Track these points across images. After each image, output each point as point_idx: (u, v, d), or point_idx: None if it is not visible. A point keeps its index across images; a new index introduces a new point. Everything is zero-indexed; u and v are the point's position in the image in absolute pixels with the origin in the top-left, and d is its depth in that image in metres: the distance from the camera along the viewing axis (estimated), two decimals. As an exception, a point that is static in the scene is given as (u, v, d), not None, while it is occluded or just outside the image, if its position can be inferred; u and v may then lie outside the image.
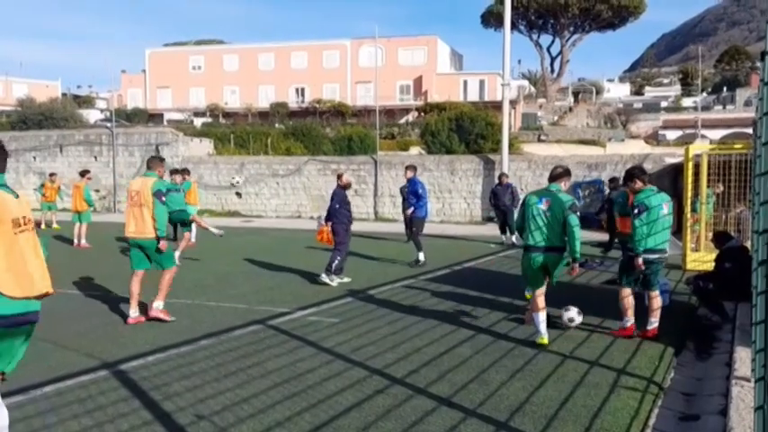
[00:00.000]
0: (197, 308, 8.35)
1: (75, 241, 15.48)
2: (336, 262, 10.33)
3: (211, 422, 4.55)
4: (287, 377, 5.54)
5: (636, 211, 6.69)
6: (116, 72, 73.83)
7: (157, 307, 7.65)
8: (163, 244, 7.48)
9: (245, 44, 66.88)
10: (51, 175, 20.92)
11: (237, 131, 34.15)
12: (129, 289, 7.69)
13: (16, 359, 3.64)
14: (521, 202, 6.89)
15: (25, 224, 3.56)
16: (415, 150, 30.88)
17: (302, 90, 63.30)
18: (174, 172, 12.97)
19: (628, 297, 6.92)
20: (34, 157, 29.83)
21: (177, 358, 6.15)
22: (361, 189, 24.31)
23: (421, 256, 12.39)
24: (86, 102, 68.16)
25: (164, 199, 7.49)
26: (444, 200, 23.44)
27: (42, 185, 20.87)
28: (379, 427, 4.50)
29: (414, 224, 12.92)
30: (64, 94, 65.94)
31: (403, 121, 51.37)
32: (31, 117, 38.27)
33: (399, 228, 19.47)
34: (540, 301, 6.61)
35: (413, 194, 12.97)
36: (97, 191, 26.24)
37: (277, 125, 42.27)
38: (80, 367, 5.77)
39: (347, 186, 10.90)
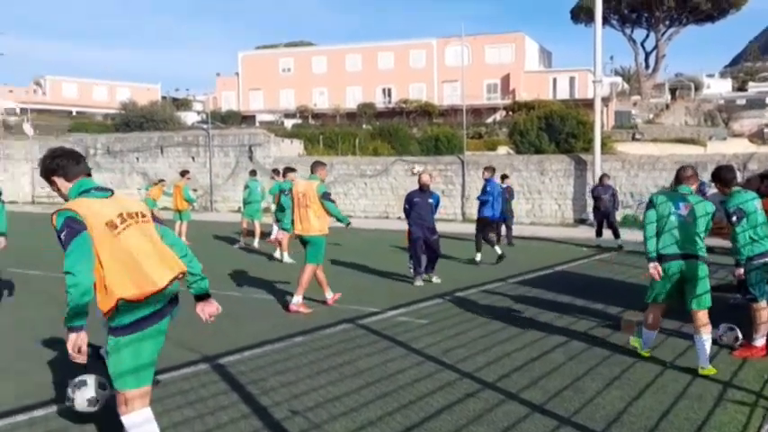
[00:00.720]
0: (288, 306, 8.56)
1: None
2: (409, 264, 10.54)
3: (305, 418, 4.65)
4: (378, 377, 5.60)
5: (734, 218, 6.09)
6: (211, 75, 77.06)
7: (296, 302, 8.21)
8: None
9: (333, 45, 67.90)
10: (161, 180, 21.57)
11: (326, 132, 34.79)
12: (299, 279, 8.34)
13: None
14: (647, 204, 6.08)
15: (124, 220, 3.45)
16: (503, 150, 30.48)
17: (389, 90, 63.70)
18: (287, 171, 13.31)
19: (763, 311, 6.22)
20: (137, 158, 31.41)
21: (273, 354, 6.33)
22: (448, 190, 24.22)
23: (477, 257, 12.71)
24: (184, 104, 71.25)
25: (332, 197, 8.61)
26: (534, 201, 22.98)
27: (152, 184, 21.62)
28: (470, 432, 4.48)
29: (481, 223, 13.03)
30: (163, 98, 69.24)
31: (490, 120, 50.81)
32: (133, 119, 40.40)
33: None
34: (657, 318, 6.00)
35: (483, 194, 13.10)
36: (195, 190, 27.32)
37: (364, 126, 42.75)
38: (182, 360, 6.02)
39: (423, 187, 10.88)
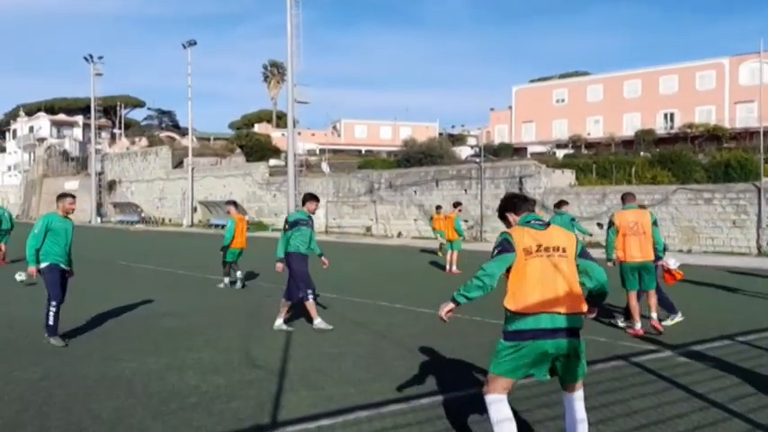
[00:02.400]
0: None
1: (447, 267, 16.90)
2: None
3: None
4: (654, 419, 5.24)
5: None
6: (485, 110, 79.21)
7: (654, 317, 8.82)
8: None
9: (610, 73, 65.52)
10: (438, 208, 23.03)
11: (599, 161, 33.57)
12: (630, 305, 8.86)
13: (567, 371, 4.16)
14: None
15: (538, 251, 4.13)
16: (811, 175, 26.43)
17: (671, 115, 59.47)
18: (559, 204, 13.35)
19: None
20: (415, 191, 33.49)
21: (539, 386, 6.27)
22: (740, 220, 21.76)
23: None
24: (459, 139, 74.36)
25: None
26: None
27: (431, 218, 23.05)
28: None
29: None
30: (440, 134, 73.05)
31: (796, 142, 44.40)
32: (413, 156, 43.23)
33: (791, 265, 16.84)
34: None
35: None
36: (465, 221, 28.26)
37: (642, 153, 40.32)
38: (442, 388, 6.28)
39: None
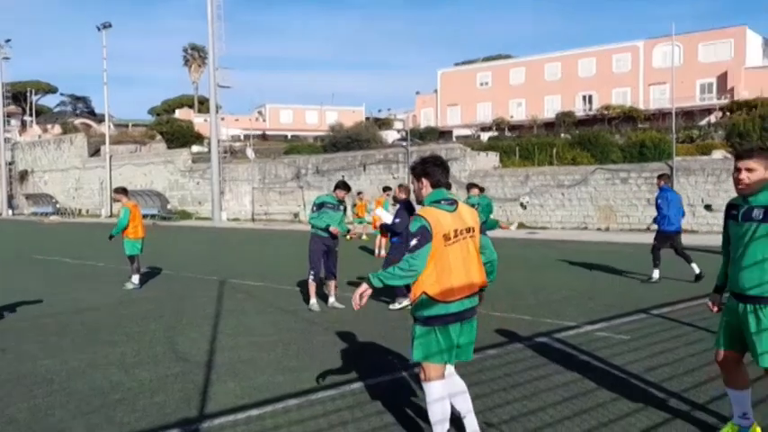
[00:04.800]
0: (485, 318, 8.59)
1: (377, 252, 16.99)
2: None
3: (500, 431, 4.66)
4: (575, 392, 5.43)
5: None
6: (411, 94, 79.69)
7: None
8: None
9: (532, 56, 67.02)
10: (359, 193, 23.23)
11: (522, 143, 34.37)
12: None
13: (462, 351, 4.17)
14: None
15: (455, 237, 4.02)
16: (718, 154, 27.90)
17: (589, 97, 61.44)
18: (469, 188, 13.36)
19: None
20: (342, 176, 33.36)
21: (466, 366, 6.39)
22: (654, 198, 22.73)
23: (655, 274, 11.51)
24: (385, 124, 74.49)
25: None
26: (756, 209, 20.72)
27: (354, 205, 23.26)
28: (676, 456, 4.19)
29: (656, 237, 11.95)
30: (367, 118, 73.02)
31: (704, 122, 46.77)
32: (340, 140, 43.09)
33: (700, 240, 17.77)
34: None
35: (656, 206, 11.99)
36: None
37: (563, 135, 41.54)
38: (383, 369, 6.32)
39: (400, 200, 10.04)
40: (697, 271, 11.46)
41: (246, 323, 8.73)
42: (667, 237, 11.89)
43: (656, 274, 11.68)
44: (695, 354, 6.54)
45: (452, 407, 4.19)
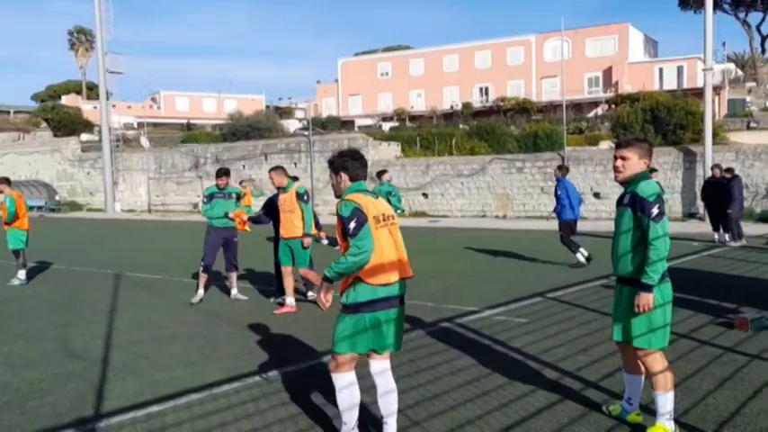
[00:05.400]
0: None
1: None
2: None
3: (405, 416, 4.72)
4: (476, 375, 5.60)
5: None
6: (312, 83, 78.97)
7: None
8: None
9: (430, 48, 68.00)
10: (242, 182, 22.67)
11: (423, 134, 34.88)
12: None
13: (389, 338, 4.10)
14: None
15: (384, 220, 4.10)
16: (604, 145, 29.47)
17: (486, 89, 63.12)
18: (380, 174, 13.08)
19: None
20: (243, 166, 32.73)
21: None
22: (548, 186, 23.69)
23: (580, 258, 11.93)
24: (287, 112, 73.54)
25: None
26: (639, 196, 22.08)
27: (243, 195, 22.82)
28: None
29: (559, 227, 12.49)
30: (267, 107, 71.77)
31: (591, 114, 49.23)
32: (239, 129, 42.09)
33: (592, 227, 18.72)
34: None
35: (555, 196, 12.51)
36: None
37: (461, 126, 42.51)
38: (279, 362, 6.27)
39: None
40: (582, 260, 11.89)
41: (144, 317, 8.43)
42: (568, 224, 12.41)
43: (580, 256, 12.00)
44: (587, 334, 6.90)
45: (361, 398, 4.22)
